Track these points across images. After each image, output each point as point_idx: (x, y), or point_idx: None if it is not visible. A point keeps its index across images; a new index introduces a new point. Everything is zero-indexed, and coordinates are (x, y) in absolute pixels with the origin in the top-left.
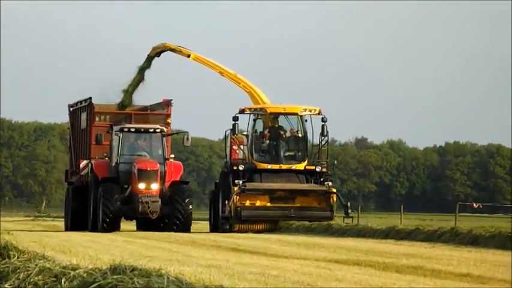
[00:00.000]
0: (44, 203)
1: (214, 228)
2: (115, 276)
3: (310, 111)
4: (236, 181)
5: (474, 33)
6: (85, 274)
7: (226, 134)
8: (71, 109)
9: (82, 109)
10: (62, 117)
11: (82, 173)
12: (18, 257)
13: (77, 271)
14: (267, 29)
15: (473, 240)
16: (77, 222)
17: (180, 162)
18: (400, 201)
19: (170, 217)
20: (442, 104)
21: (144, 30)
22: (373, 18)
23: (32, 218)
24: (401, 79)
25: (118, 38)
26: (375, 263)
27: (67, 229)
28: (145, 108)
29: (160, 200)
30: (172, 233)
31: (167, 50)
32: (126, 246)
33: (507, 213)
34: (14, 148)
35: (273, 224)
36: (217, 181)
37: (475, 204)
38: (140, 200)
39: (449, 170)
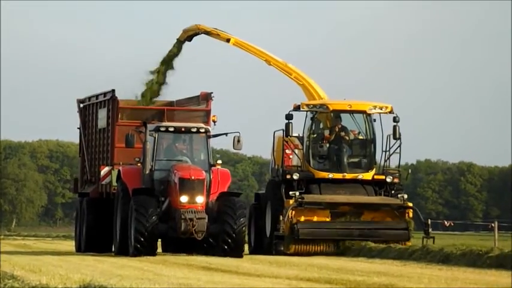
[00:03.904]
0: (14, 222)
1: (257, 249)
2: None
3: (381, 109)
4: (291, 193)
5: (449, 52)
6: None
7: (275, 135)
8: (82, 105)
9: (100, 104)
10: (32, 136)
11: (103, 182)
12: None
13: None
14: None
15: (444, 258)
16: (93, 242)
17: (227, 170)
18: None
19: (218, 237)
20: (413, 121)
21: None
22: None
23: (1, 237)
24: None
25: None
26: (347, 281)
27: (80, 250)
28: (171, 103)
29: (207, 217)
30: None
31: (201, 33)
32: (97, 265)
33: (478, 230)
34: None
35: (337, 245)
36: (258, 192)
37: (446, 222)
38: (183, 217)
39: (421, 188)
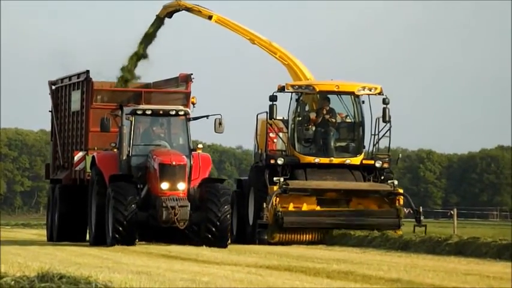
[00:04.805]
0: None
1: (239, 238)
2: (43, 284)
3: (370, 90)
4: (275, 179)
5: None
6: (12, 282)
7: (258, 118)
8: (54, 87)
9: (73, 86)
10: None
11: (77, 168)
12: None
13: (4, 279)
14: None
15: (403, 245)
16: (66, 231)
17: (208, 155)
18: None
19: (201, 226)
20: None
21: None
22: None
23: None
24: None
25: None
26: (306, 269)
27: (51, 239)
28: (148, 85)
29: (189, 205)
30: None
31: (182, 10)
32: (56, 253)
33: (437, 218)
34: None
35: (323, 234)
36: (241, 178)
37: (405, 210)
38: (164, 205)
39: None
